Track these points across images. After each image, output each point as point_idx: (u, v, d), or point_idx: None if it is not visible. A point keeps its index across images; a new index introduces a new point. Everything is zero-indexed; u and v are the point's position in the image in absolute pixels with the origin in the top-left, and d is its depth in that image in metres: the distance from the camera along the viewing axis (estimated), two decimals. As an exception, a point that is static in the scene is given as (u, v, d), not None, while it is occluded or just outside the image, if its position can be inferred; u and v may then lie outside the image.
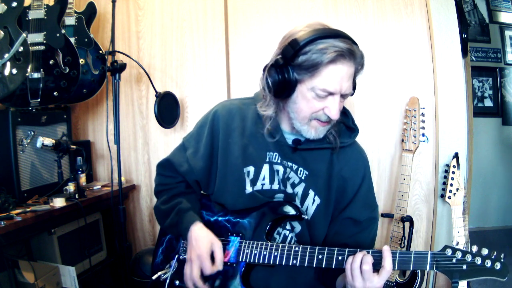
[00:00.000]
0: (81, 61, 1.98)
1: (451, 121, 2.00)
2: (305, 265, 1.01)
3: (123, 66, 1.92)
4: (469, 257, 0.86)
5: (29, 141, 1.78)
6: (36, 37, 1.77)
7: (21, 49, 1.60)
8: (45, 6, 1.82)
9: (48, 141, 1.77)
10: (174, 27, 2.27)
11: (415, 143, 1.93)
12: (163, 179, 1.30)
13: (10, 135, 1.70)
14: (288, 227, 1.16)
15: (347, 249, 0.98)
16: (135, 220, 2.39)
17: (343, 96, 1.04)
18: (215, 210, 1.22)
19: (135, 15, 2.32)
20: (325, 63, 0.96)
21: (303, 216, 1.10)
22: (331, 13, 2.12)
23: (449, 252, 0.88)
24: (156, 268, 1.25)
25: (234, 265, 1.10)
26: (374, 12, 2.08)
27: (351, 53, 0.98)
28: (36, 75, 1.75)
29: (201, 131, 1.23)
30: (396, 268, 0.92)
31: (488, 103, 3.79)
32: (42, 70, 1.76)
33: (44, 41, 1.78)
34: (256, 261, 1.08)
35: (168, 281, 1.16)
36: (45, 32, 1.78)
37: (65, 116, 2.04)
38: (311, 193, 1.14)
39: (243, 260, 1.09)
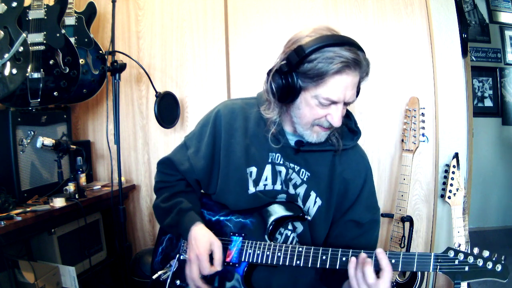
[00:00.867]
0: (81, 61, 1.97)
1: (451, 121, 2.00)
2: (309, 265, 1.01)
3: (123, 66, 1.92)
4: (471, 259, 0.87)
5: (29, 141, 1.77)
6: (36, 37, 1.77)
7: (21, 49, 1.60)
8: (45, 6, 1.81)
9: (48, 141, 1.77)
10: (174, 27, 2.27)
11: (415, 143, 1.93)
12: (163, 177, 1.30)
13: (10, 135, 1.70)
14: (290, 227, 1.15)
15: (351, 250, 0.98)
16: (135, 220, 2.39)
17: (346, 104, 1.04)
18: (216, 209, 1.21)
19: (135, 15, 2.31)
20: (331, 74, 0.96)
21: (306, 216, 1.10)
22: (331, 13, 2.12)
23: (451, 253, 0.89)
24: (155, 267, 1.25)
25: (236, 265, 1.10)
26: (374, 12, 2.08)
27: (356, 63, 0.97)
28: (36, 75, 1.75)
29: (203, 130, 1.22)
30: (400, 270, 0.92)
31: (488, 103, 3.80)
32: (42, 70, 1.76)
33: (44, 41, 1.78)
34: (259, 261, 1.07)
35: (168, 281, 1.16)
36: (45, 32, 1.78)
37: (65, 116, 2.04)
38: (313, 194, 1.13)
39: (246, 260, 1.09)
